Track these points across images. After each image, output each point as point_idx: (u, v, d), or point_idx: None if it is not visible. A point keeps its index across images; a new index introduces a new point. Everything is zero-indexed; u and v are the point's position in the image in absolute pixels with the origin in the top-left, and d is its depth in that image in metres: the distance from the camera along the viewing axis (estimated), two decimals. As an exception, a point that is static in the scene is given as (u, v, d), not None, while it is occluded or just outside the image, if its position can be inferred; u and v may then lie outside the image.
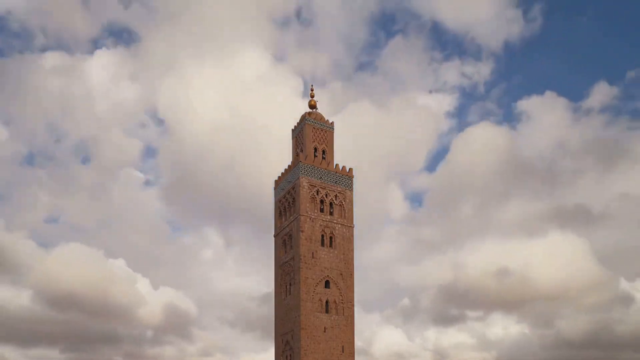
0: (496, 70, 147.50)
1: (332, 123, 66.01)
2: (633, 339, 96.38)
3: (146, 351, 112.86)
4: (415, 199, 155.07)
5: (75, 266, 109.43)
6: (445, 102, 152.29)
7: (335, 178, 62.88)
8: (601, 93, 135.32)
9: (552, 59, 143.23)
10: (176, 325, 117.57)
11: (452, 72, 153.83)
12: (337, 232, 61.47)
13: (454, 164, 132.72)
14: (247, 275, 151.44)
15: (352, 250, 62.11)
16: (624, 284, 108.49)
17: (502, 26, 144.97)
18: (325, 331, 58.42)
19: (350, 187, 63.74)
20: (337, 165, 63.59)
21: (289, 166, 64.00)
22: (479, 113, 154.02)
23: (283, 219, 64.00)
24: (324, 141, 65.11)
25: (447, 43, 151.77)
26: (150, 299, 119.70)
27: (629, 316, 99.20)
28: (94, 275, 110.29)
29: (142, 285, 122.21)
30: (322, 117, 65.83)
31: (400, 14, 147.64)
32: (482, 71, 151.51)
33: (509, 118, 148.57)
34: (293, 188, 61.79)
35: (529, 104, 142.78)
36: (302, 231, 59.26)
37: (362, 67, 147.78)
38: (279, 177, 66.01)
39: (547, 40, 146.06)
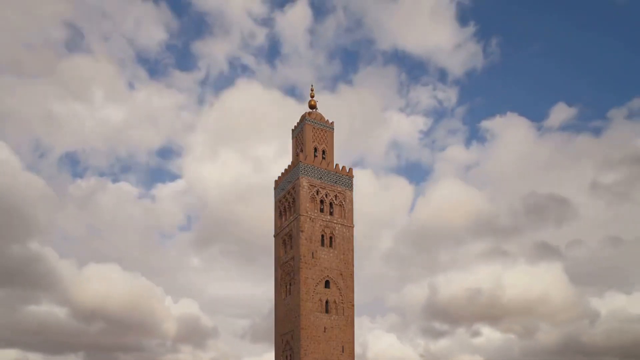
0: (461, 93, 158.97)
1: (332, 123, 66.03)
2: (600, 348, 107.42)
3: (163, 357, 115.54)
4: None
5: (105, 283, 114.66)
6: (419, 123, 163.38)
7: (335, 178, 62.88)
8: (561, 113, 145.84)
9: (511, 84, 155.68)
10: (191, 335, 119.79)
11: (422, 95, 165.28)
12: (337, 232, 61.46)
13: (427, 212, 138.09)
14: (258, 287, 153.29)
15: (352, 250, 62.09)
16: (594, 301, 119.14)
17: (463, 55, 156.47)
18: (325, 331, 58.39)
19: (350, 187, 63.73)
20: (337, 165, 63.59)
21: (289, 166, 63.99)
22: (448, 132, 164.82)
23: (283, 219, 63.99)
24: (324, 141, 65.12)
25: (413, 69, 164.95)
26: (171, 311, 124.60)
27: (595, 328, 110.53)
28: (122, 291, 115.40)
29: (162, 298, 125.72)
30: (322, 117, 65.83)
31: (366, 45, 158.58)
32: (449, 95, 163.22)
33: (476, 136, 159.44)
34: (293, 188, 61.79)
35: (493, 124, 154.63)
36: (302, 231, 59.25)
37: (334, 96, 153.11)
38: (279, 177, 66.00)
39: (506, 67, 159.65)
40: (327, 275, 59.76)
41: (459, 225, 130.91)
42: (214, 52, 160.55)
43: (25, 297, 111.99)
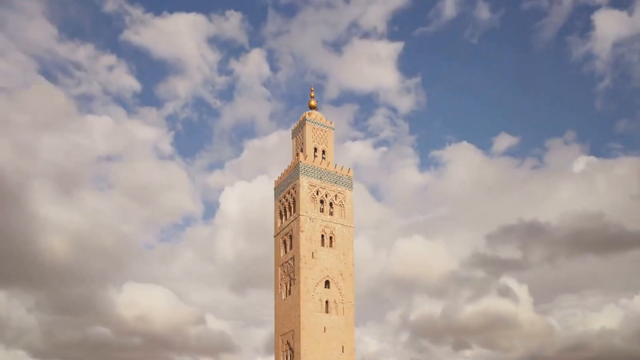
0: (412, 124, 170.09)
1: (332, 123, 66.08)
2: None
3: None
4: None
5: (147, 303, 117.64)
6: (375, 151, 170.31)
7: (335, 178, 62.89)
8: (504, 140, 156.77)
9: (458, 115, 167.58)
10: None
11: (376, 126, 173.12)
12: (337, 232, 61.45)
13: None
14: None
15: (352, 250, 62.08)
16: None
17: (409, 95, 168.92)
18: (325, 331, 58.36)
19: (350, 187, 63.74)
20: (337, 165, 63.61)
21: (289, 166, 64.02)
22: (402, 158, 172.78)
23: (283, 219, 64.00)
24: (324, 141, 65.15)
25: (365, 104, 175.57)
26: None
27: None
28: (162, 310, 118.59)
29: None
30: (322, 117, 65.87)
31: (318, 88, 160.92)
32: (401, 128, 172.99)
33: (428, 163, 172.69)
34: (293, 188, 61.80)
35: (444, 152, 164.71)
36: (302, 231, 59.25)
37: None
38: (279, 177, 66.03)
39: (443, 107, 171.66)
40: (327, 275, 59.74)
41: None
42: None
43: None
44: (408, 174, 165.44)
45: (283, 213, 64.14)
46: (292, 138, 67.48)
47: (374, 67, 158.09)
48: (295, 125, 66.92)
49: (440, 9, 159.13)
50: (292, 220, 61.14)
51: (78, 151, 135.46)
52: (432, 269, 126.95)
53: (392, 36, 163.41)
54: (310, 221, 60.02)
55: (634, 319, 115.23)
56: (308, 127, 64.41)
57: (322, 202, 61.62)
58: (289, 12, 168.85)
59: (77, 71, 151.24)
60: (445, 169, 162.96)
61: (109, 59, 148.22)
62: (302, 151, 63.98)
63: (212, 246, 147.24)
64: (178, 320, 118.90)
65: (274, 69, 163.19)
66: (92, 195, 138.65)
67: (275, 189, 66.82)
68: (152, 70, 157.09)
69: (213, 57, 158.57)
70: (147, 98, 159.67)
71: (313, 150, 63.92)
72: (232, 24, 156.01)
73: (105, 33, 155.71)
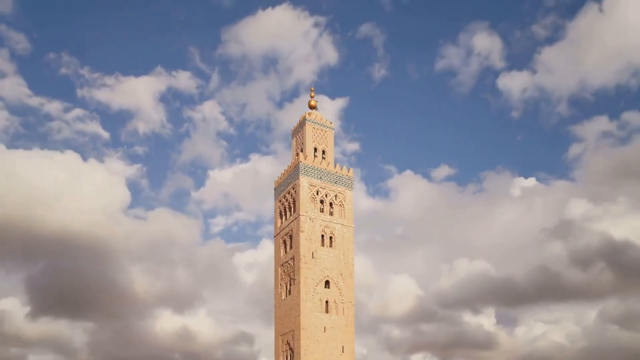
0: (358, 161, 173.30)
1: (332, 123, 66.09)
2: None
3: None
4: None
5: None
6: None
7: (335, 178, 62.90)
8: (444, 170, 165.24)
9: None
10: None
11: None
12: (337, 232, 61.45)
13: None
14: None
15: (352, 250, 62.10)
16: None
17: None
18: (325, 331, 58.36)
19: (350, 187, 63.75)
20: (337, 165, 63.62)
21: (289, 166, 64.02)
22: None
23: (283, 219, 63.99)
24: (324, 141, 65.16)
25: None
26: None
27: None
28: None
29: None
30: (322, 117, 65.87)
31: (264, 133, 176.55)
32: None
33: (375, 192, 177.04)
34: (293, 188, 61.80)
35: (390, 181, 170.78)
36: (302, 231, 59.25)
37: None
38: (279, 177, 66.04)
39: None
40: (327, 275, 59.74)
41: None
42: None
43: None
44: (359, 199, 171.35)
45: (283, 213, 64.13)
46: (292, 138, 67.48)
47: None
48: (295, 125, 66.92)
49: (371, 72, 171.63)
50: (292, 220, 61.14)
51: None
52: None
53: (333, 94, 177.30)
54: (310, 221, 60.02)
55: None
56: (308, 127, 64.40)
57: (322, 202, 61.63)
58: (232, 76, 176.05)
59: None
60: (394, 194, 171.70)
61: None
62: (302, 151, 63.99)
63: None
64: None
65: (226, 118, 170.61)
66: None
67: (275, 189, 66.81)
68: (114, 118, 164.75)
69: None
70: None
71: (313, 150, 63.92)
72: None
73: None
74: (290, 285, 60.76)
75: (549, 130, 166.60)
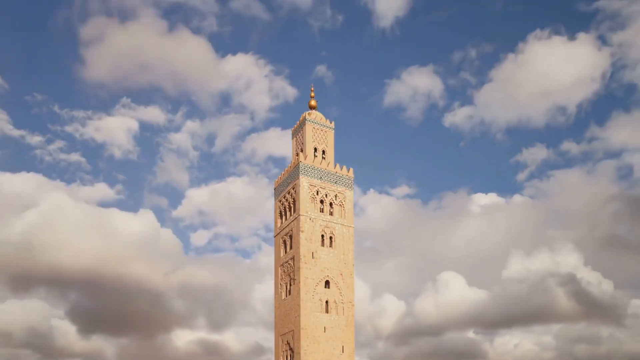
0: None
1: (332, 123, 66.09)
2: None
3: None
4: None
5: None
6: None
7: (335, 178, 62.89)
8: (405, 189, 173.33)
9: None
10: None
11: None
12: (337, 232, 61.45)
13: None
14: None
15: (352, 250, 62.08)
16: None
17: None
18: (325, 331, 58.37)
19: (350, 187, 63.73)
20: (337, 165, 63.61)
21: (289, 166, 64.01)
22: None
23: (283, 219, 63.99)
24: (324, 141, 65.15)
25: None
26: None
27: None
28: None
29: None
30: (322, 117, 65.86)
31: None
32: None
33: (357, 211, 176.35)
34: (293, 188, 61.79)
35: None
36: (302, 231, 59.25)
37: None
38: (279, 177, 66.04)
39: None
40: (327, 275, 59.74)
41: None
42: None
43: None
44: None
45: (283, 213, 64.13)
46: (292, 138, 67.47)
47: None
48: (296, 125, 66.90)
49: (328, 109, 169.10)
50: (292, 220, 61.13)
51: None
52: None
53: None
54: (310, 221, 60.02)
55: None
56: (308, 127, 64.40)
57: (322, 202, 61.62)
58: (204, 114, 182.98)
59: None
60: (359, 210, 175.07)
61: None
62: (302, 151, 63.97)
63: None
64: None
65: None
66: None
67: (275, 189, 66.81)
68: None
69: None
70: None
71: (313, 150, 63.91)
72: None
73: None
74: (290, 285, 60.76)
75: (494, 156, 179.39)
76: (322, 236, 60.63)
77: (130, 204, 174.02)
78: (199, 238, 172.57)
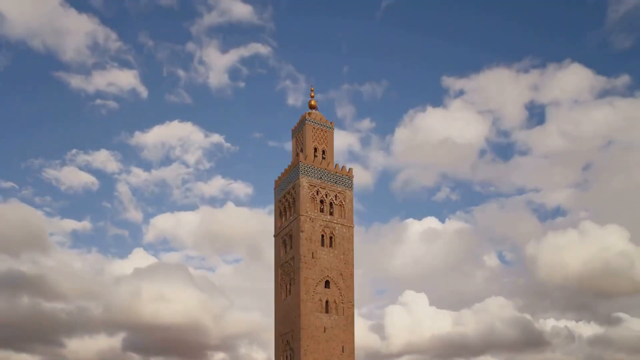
0: None
1: (332, 123, 66.05)
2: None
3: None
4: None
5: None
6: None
7: (335, 178, 62.87)
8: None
9: None
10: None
11: None
12: (337, 232, 61.45)
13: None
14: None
15: (352, 250, 62.07)
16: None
17: None
18: (325, 331, 58.37)
19: (350, 187, 63.72)
20: (337, 165, 63.58)
21: (289, 166, 63.99)
22: None
23: (283, 219, 63.98)
24: (324, 141, 65.12)
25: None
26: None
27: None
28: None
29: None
30: (322, 117, 65.82)
31: None
32: None
33: None
34: (293, 188, 61.78)
35: None
36: (302, 231, 59.24)
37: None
38: (279, 177, 66.00)
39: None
40: (327, 275, 59.75)
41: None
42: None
43: None
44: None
45: (283, 213, 64.11)
46: (292, 138, 67.45)
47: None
48: (295, 125, 66.87)
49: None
50: (292, 220, 61.13)
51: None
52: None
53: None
54: (310, 221, 60.01)
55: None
56: (308, 127, 64.38)
57: (322, 202, 61.61)
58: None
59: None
60: None
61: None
62: (302, 151, 63.94)
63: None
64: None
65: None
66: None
67: (275, 189, 66.78)
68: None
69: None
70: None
71: (313, 150, 63.88)
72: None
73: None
74: (290, 285, 60.76)
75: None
76: (322, 236, 60.61)
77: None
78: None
